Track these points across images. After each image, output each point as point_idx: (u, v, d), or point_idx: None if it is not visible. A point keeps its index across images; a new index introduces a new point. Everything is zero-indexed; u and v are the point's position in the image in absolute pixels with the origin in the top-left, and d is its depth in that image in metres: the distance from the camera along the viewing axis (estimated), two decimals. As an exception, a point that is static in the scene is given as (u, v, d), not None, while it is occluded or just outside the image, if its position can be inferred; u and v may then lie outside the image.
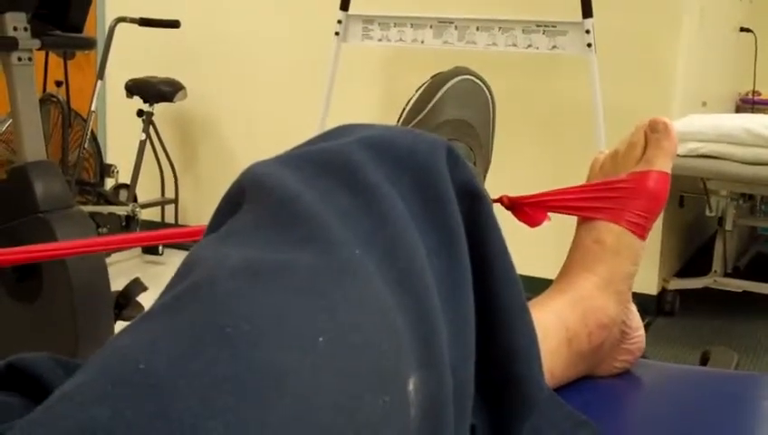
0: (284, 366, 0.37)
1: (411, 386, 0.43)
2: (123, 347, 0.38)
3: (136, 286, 2.42)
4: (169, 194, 4.28)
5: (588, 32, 2.83)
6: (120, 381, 0.36)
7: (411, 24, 3.11)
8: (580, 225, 0.83)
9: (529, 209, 0.84)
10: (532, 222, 0.84)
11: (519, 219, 0.84)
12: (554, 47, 2.93)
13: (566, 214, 0.84)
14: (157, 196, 4.27)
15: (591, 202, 0.82)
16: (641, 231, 0.81)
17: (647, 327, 3.52)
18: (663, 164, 0.82)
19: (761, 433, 0.75)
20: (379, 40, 3.17)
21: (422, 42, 3.10)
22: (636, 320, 0.83)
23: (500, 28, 2.98)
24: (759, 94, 5.01)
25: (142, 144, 4.03)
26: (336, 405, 0.38)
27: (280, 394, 0.36)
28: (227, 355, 0.37)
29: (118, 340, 0.39)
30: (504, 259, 0.59)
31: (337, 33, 3.19)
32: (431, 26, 3.08)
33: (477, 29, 3.01)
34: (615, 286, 0.80)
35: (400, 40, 3.14)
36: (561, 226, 0.90)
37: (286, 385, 0.37)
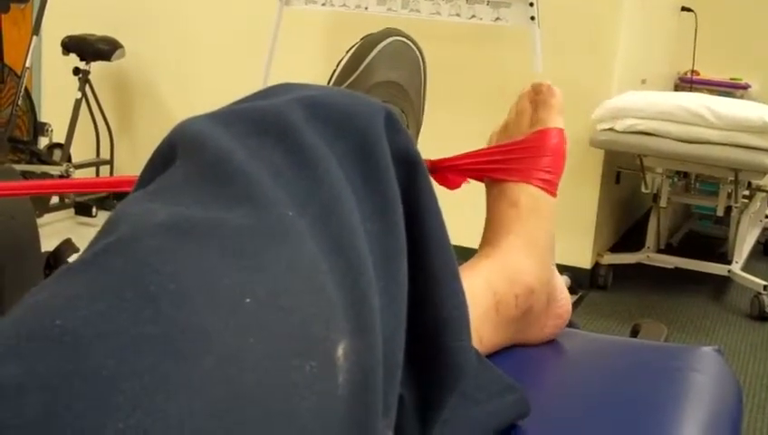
0: (208, 326, 0.36)
1: (340, 352, 0.42)
2: (39, 303, 0.37)
3: (67, 247, 2.38)
4: (105, 155, 4.21)
5: (531, 4, 2.84)
6: (34, 338, 0.34)
7: (355, -10, 3.09)
8: (490, 189, 0.84)
9: (448, 173, 0.85)
10: (452, 185, 0.85)
11: (439, 183, 0.85)
12: (498, 19, 2.93)
13: (480, 176, 0.85)
14: (92, 156, 4.20)
15: (501, 164, 0.84)
16: (551, 188, 0.83)
17: (580, 300, 3.59)
18: (556, 121, 0.84)
19: (685, 403, 0.76)
20: (323, 5, 3.14)
21: (366, 8, 3.08)
22: (560, 282, 0.84)
23: (444, -3, 2.97)
24: (697, 74, 5.08)
25: (78, 103, 3.95)
26: (261, 367, 0.37)
27: (203, 354, 0.35)
28: (149, 314, 0.36)
29: (34, 295, 0.38)
30: (439, 227, 0.58)
31: (280, -3, 3.16)
32: (375, -7, 3.06)
33: (422, -3, 3.00)
34: (537, 247, 0.81)
35: (344, 5, 3.11)
36: (480, 194, 0.91)
37: (210, 345, 0.36)
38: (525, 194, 0.82)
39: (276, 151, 0.48)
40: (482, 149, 0.86)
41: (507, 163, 0.83)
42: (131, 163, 4.24)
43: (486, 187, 0.85)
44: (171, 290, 0.37)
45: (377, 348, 0.46)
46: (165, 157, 0.49)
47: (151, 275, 0.38)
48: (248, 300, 0.38)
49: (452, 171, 0.85)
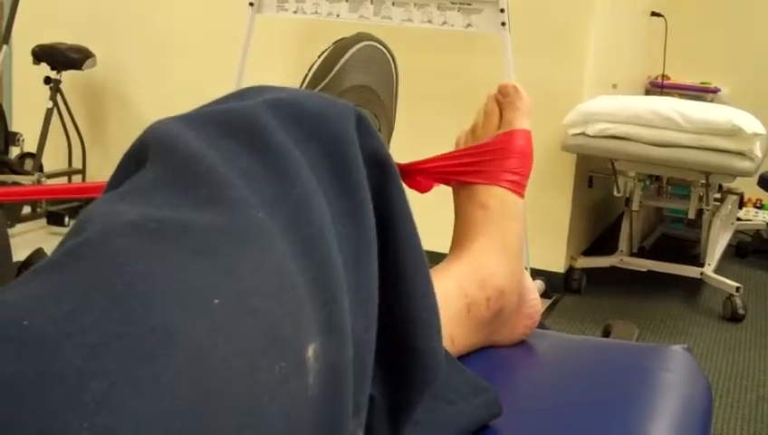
0: (177, 326, 0.36)
1: (310, 353, 0.42)
2: (7, 303, 0.37)
3: (39, 257, 2.35)
4: (77, 164, 4.18)
5: (502, 11, 2.85)
6: (2, 338, 0.34)
7: (327, -3, 3.09)
8: (458, 192, 0.85)
9: (419, 176, 0.85)
10: (423, 188, 0.86)
11: (409, 186, 0.85)
12: (469, 25, 2.94)
13: (449, 179, 0.85)
14: (64, 166, 4.17)
15: (470, 166, 0.84)
16: (519, 189, 0.84)
17: (554, 304, 3.60)
18: (523, 123, 0.85)
19: (655, 400, 0.77)
20: (294, 12, 3.14)
21: (338, 15, 3.08)
22: (531, 284, 0.85)
23: (415, 4, 2.98)
24: (668, 78, 5.13)
25: (49, 112, 3.92)
26: (230, 368, 0.37)
27: (171, 354, 0.35)
28: (118, 314, 0.36)
29: (2, 296, 0.38)
30: (410, 229, 0.58)
31: (251, 4, 3.16)
32: (347, 0, 3.06)
33: (393, 4, 3.01)
34: (507, 248, 0.81)
35: (315, 13, 3.11)
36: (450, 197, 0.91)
37: (179, 346, 0.36)
38: (494, 196, 0.82)
39: (247, 153, 0.48)
40: (451, 153, 0.86)
41: (475, 166, 0.84)
42: (104, 172, 4.20)
43: (453, 190, 0.85)
44: (140, 290, 0.37)
45: (347, 349, 0.46)
46: (136, 158, 0.50)
47: (120, 275, 0.38)
48: (217, 301, 0.38)
49: (422, 175, 0.85)
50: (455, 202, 0.85)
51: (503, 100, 0.86)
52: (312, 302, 0.44)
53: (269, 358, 0.39)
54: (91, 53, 3.93)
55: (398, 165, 0.84)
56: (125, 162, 0.51)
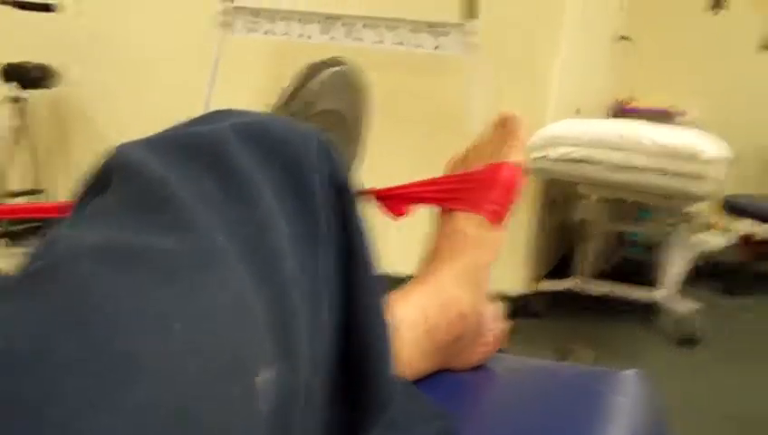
0: (138, 351, 0.37)
1: (266, 377, 0.42)
2: None
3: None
4: (41, 184, 4.14)
5: (470, 33, 2.87)
6: None
7: (298, 19, 3.10)
8: (440, 216, 0.84)
9: (394, 201, 0.85)
10: (397, 213, 0.85)
11: (384, 212, 0.85)
12: (437, 47, 2.96)
13: (429, 205, 0.85)
14: (29, 185, 4.12)
15: (451, 193, 0.84)
16: (499, 221, 0.83)
17: (514, 327, 3.60)
18: (515, 156, 0.84)
19: (611, 426, 0.78)
20: (265, 33, 3.14)
21: (309, 37, 3.09)
22: (494, 311, 0.85)
23: (387, 26, 3.00)
24: (636, 101, 5.17)
25: (14, 131, 3.88)
26: (188, 393, 0.37)
27: (133, 380, 0.36)
28: (82, 339, 0.36)
29: None
30: (368, 256, 0.59)
31: (222, 24, 3.15)
32: (318, 21, 3.08)
33: (364, 26, 3.03)
34: (474, 277, 0.81)
35: (286, 34, 3.12)
36: (423, 221, 0.91)
37: (140, 370, 0.36)
38: (471, 224, 0.82)
39: (210, 177, 0.49)
40: (433, 179, 0.86)
41: (457, 193, 0.83)
42: (68, 192, 4.15)
43: (438, 212, 0.85)
44: (104, 315, 0.37)
45: (301, 373, 0.47)
46: (100, 181, 0.50)
47: (84, 299, 0.38)
48: (177, 325, 0.39)
49: (399, 200, 0.85)
50: (437, 223, 0.85)
51: (501, 130, 0.85)
52: (269, 326, 0.44)
53: (225, 383, 0.39)
54: (58, 72, 3.91)
55: (373, 190, 0.85)
56: (88, 185, 0.51)
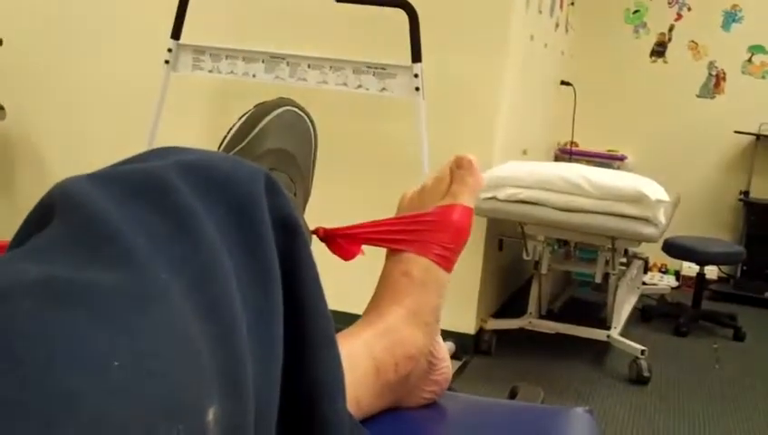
0: (75, 389, 0.36)
1: (211, 416, 0.42)
2: None
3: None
4: (-18, 219, 4.08)
5: (416, 76, 2.90)
6: None
7: (243, 58, 3.11)
8: (388, 257, 0.84)
9: (343, 242, 0.84)
10: (347, 255, 0.85)
11: (333, 252, 0.85)
12: (383, 89, 2.98)
13: (377, 245, 0.85)
14: (-31, 221, 4.06)
15: (400, 235, 0.83)
16: (447, 263, 0.83)
17: (464, 366, 3.61)
18: (467, 199, 0.85)
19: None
20: (210, 71, 3.15)
21: (253, 75, 3.10)
22: (442, 351, 0.85)
23: (331, 67, 3.02)
24: (576, 145, 5.27)
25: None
26: (128, 431, 0.37)
27: (69, 418, 0.35)
28: (16, 379, 0.35)
29: None
30: (316, 293, 0.59)
31: (167, 62, 3.15)
32: (263, 61, 3.09)
33: (309, 66, 3.04)
34: (422, 318, 0.81)
35: (231, 72, 3.12)
36: (374, 260, 0.91)
37: (77, 409, 0.35)
38: (419, 266, 0.82)
39: (154, 214, 0.48)
40: (384, 220, 0.86)
41: (407, 234, 0.83)
42: (12, 228, 4.09)
43: (387, 253, 0.85)
44: (38, 353, 0.37)
45: (249, 412, 0.46)
46: (42, 216, 0.49)
47: (20, 338, 0.37)
48: (116, 363, 0.38)
49: (349, 240, 0.85)
50: (384, 264, 0.85)
51: (456, 171, 0.85)
52: (215, 365, 0.44)
53: (168, 421, 0.39)
54: (0, 106, 3.86)
55: (323, 230, 0.84)
56: (31, 219, 0.51)
